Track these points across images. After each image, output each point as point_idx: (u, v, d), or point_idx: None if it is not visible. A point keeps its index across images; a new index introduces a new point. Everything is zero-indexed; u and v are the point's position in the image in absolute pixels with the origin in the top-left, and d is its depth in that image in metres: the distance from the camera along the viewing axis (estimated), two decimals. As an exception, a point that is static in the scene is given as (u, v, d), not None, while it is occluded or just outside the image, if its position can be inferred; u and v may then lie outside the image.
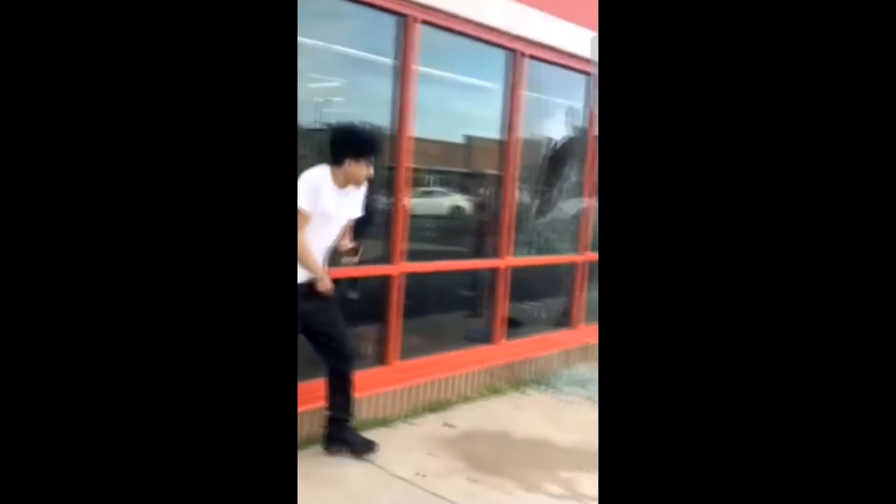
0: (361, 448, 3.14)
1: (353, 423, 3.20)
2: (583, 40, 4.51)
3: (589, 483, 3.12)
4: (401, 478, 3.01)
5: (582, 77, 4.80)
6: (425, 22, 3.58)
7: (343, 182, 2.97)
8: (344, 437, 3.14)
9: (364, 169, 2.97)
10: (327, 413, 3.15)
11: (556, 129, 4.97)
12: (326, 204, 2.91)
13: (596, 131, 4.94)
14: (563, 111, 4.96)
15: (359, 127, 3.15)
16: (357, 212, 3.12)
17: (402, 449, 3.30)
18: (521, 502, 2.92)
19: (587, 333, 5.04)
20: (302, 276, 2.86)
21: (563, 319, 5.06)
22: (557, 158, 4.95)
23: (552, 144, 4.97)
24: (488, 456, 3.35)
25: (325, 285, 2.97)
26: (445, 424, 3.71)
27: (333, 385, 3.11)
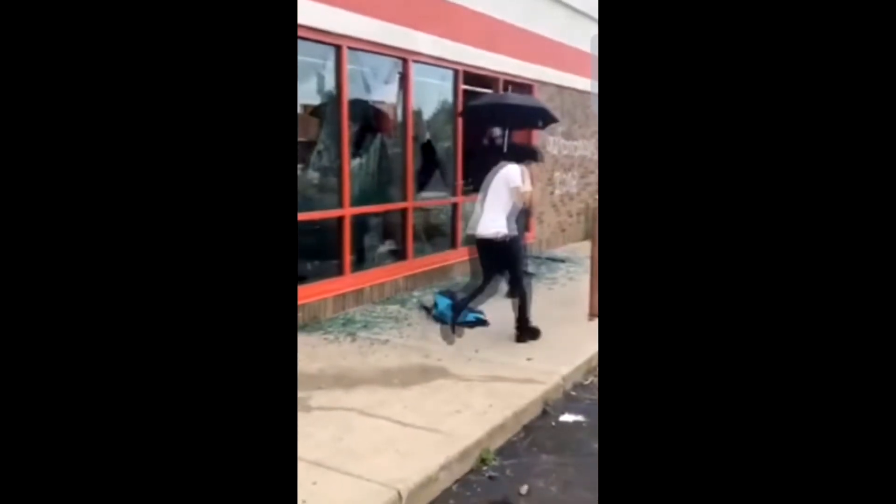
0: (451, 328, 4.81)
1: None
2: (327, 15, 4.97)
3: (318, 398, 3.71)
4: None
5: (331, 49, 5.28)
6: None
7: None
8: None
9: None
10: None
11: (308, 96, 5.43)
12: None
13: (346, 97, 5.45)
14: (314, 81, 5.40)
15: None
16: None
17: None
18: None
19: (356, 281, 5.65)
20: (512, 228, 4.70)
21: (335, 268, 5.61)
22: (311, 121, 5.42)
23: (306, 109, 5.43)
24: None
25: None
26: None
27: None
